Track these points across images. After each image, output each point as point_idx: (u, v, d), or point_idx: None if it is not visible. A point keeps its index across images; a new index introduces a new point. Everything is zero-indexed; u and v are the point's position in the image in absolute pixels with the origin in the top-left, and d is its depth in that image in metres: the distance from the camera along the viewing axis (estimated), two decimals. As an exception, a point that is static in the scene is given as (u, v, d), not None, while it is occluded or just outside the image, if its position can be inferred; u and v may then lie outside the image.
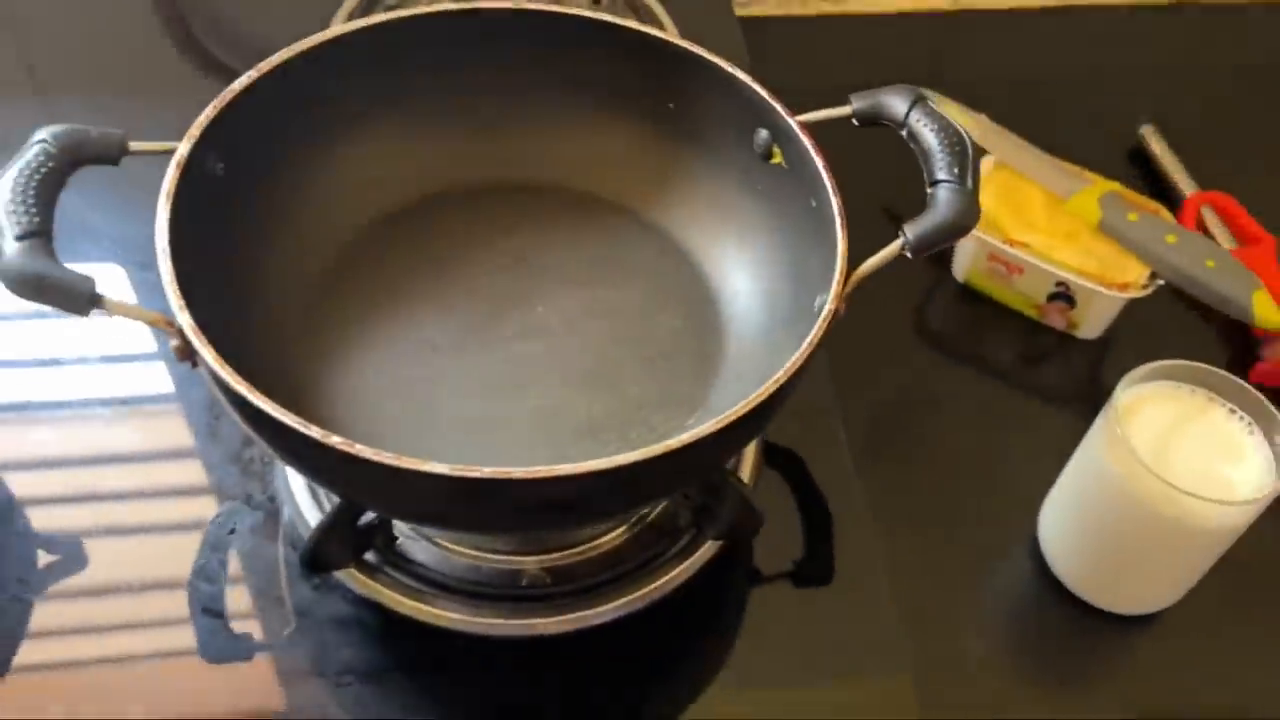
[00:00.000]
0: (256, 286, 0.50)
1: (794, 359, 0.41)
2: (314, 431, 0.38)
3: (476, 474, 0.37)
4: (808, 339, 0.42)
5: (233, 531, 0.52)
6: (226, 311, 0.44)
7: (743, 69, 0.52)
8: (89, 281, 0.40)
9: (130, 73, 0.73)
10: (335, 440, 0.38)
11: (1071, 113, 0.83)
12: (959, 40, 0.93)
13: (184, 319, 0.40)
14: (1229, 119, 0.86)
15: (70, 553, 0.52)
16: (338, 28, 0.50)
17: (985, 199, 0.66)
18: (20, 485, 0.54)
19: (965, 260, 0.70)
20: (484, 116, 0.56)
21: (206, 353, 0.39)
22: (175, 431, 0.56)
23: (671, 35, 0.53)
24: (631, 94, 0.55)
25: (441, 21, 0.52)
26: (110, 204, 0.63)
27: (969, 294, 0.71)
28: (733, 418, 0.39)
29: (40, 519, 0.53)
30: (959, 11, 0.93)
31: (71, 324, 0.58)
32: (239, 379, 0.39)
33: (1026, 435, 0.66)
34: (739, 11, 0.82)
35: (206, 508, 0.53)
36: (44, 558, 0.51)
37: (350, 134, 0.54)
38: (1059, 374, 0.70)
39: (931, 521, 0.61)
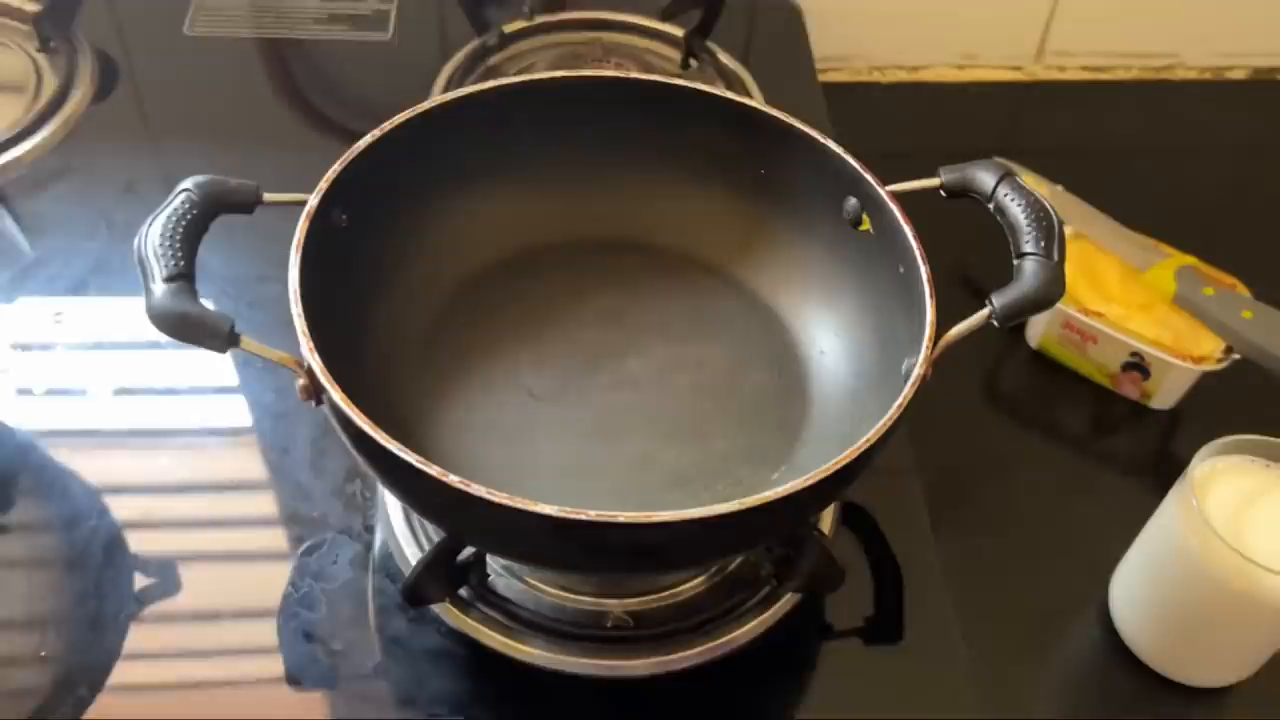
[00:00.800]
0: (370, 331, 0.52)
1: (884, 420, 0.43)
2: (433, 469, 0.40)
3: (584, 516, 0.40)
4: (897, 402, 0.44)
5: (335, 562, 0.54)
6: (344, 353, 0.47)
7: (830, 137, 0.54)
8: (229, 321, 0.43)
9: (238, 123, 0.77)
10: (453, 479, 0.40)
11: (1146, 185, 0.85)
12: (1030, 111, 0.95)
13: (314, 361, 0.43)
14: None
15: (170, 578, 0.54)
16: (460, 91, 0.53)
17: None
18: (132, 509, 0.57)
19: (1040, 327, 0.72)
20: (584, 177, 0.59)
21: (335, 393, 0.42)
22: (281, 464, 0.58)
23: (765, 105, 0.56)
24: (725, 160, 0.58)
25: (553, 87, 0.55)
26: (224, 247, 0.66)
27: (1042, 361, 0.73)
28: (825, 473, 0.41)
29: (148, 543, 0.56)
30: (1032, 82, 0.96)
31: (187, 357, 0.61)
32: (364, 418, 0.41)
33: (1097, 503, 0.67)
34: (820, 78, 0.85)
35: (310, 538, 0.55)
36: (145, 580, 0.54)
37: (460, 190, 0.57)
38: (1131, 443, 0.70)
39: (1002, 586, 0.62)
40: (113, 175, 0.72)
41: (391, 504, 0.55)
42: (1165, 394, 0.69)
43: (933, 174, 0.52)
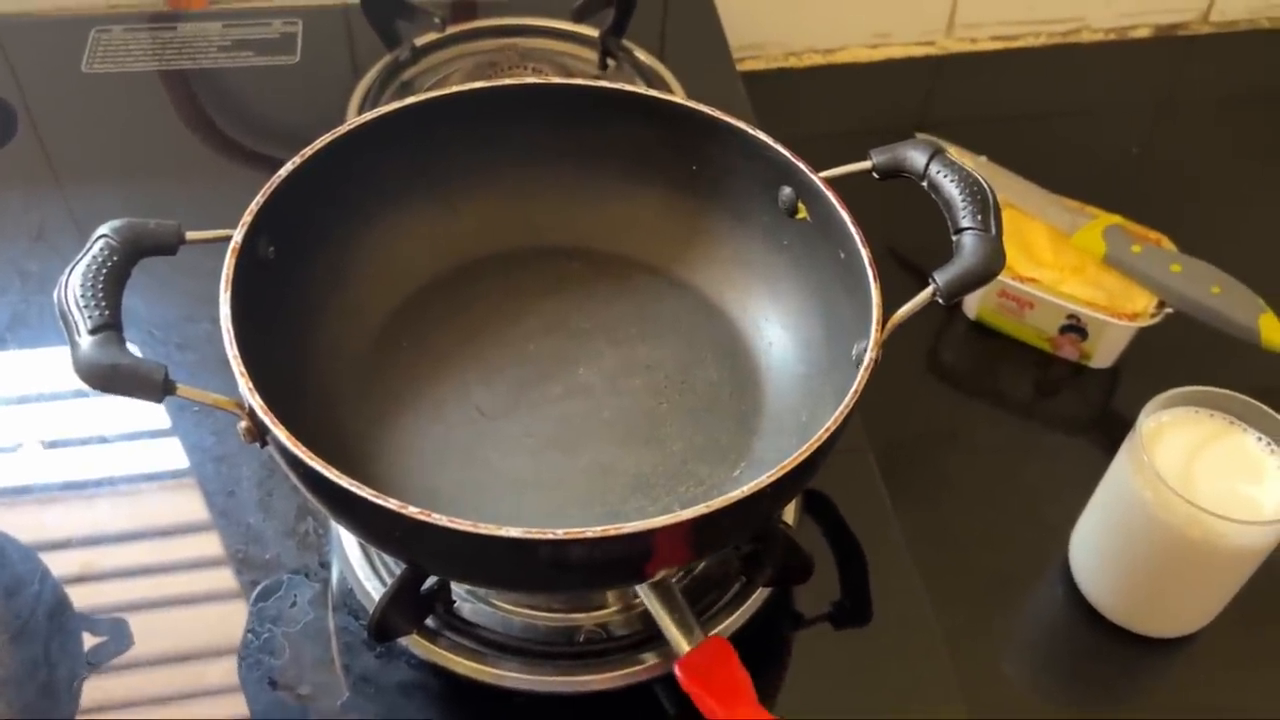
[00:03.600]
0: (309, 362, 0.51)
1: (842, 408, 0.43)
2: (390, 502, 0.39)
3: (550, 536, 0.39)
4: (853, 387, 0.44)
5: (294, 604, 0.52)
6: (284, 388, 0.45)
7: (752, 125, 0.54)
8: (161, 369, 0.42)
9: (147, 159, 0.74)
10: (412, 510, 0.39)
11: (1063, 148, 0.86)
12: (945, 84, 0.96)
13: (255, 401, 0.42)
14: (1216, 148, 0.89)
15: (122, 633, 0.52)
16: (377, 111, 0.52)
17: None
18: (75, 566, 0.54)
19: (977, 298, 0.72)
20: (514, 186, 0.58)
21: (279, 432, 0.41)
22: (228, 507, 0.57)
23: (689, 100, 0.55)
24: (655, 159, 0.57)
25: (471, 99, 0.54)
26: (144, 288, 0.64)
27: (981, 330, 0.74)
28: (791, 465, 0.41)
29: (95, 598, 0.54)
30: (944, 56, 0.97)
31: (119, 404, 0.59)
32: (312, 455, 0.40)
33: (1048, 465, 0.68)
34: (737, 68, 0.85)
35: (265, 581, 0.54)
36: (95, 639, 0.52)
37: (387, 209, 0.56)
38: (1075, 403, 0.72)
39: (963, 553, 0.62)
40: (20, 223, 0.69)
41: (347, 539, 0.54)
42: (1104, 353, 0.70)
43: (861, 156, 0.52)
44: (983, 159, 0.77)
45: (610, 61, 0.80)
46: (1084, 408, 0.71)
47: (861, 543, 0.59)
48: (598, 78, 0.79)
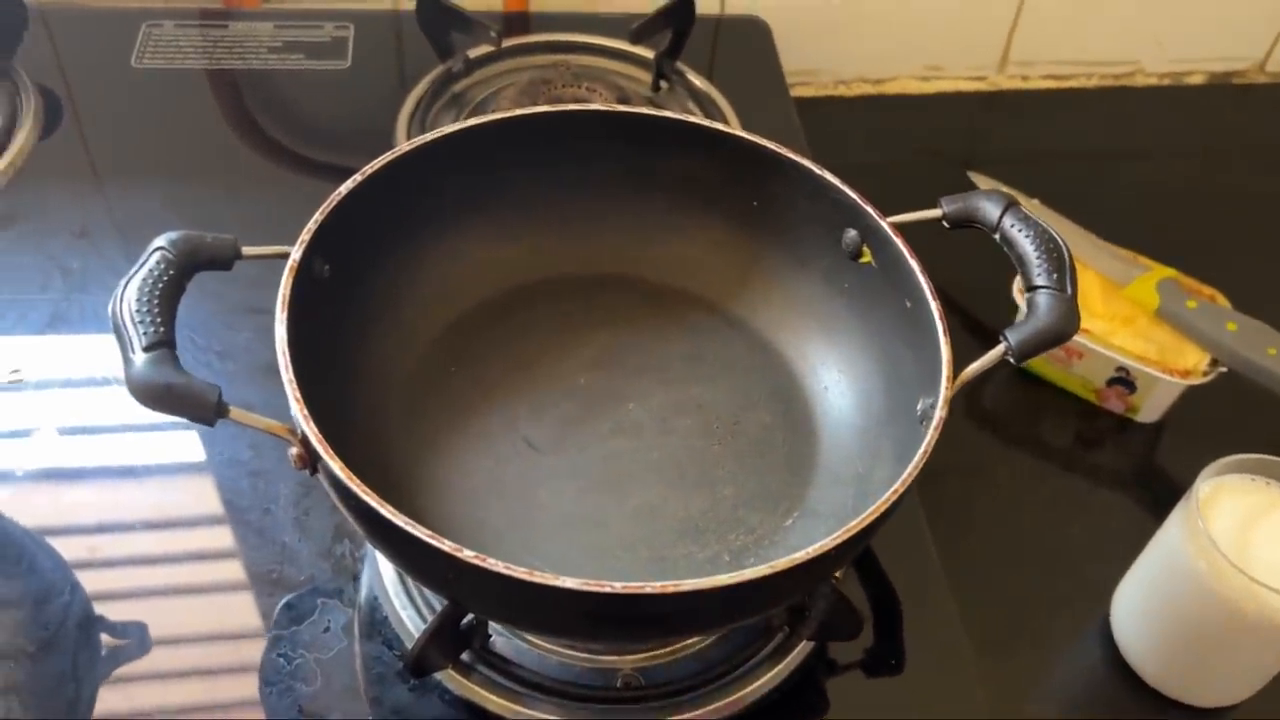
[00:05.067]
0: (357, 385, 0.50)
1: (912, 466, 0.42)
2: (445, 545, 0.38)
3: (608, 589, 0.38)
4: (922, 446, 0.43)
5: (326, 630, 0.51)
6: (334, 413, 0.44)
7: (808, 156, 0.53)
8: (215, 391, 0.41)
9: (193, 159, 0.73)
10: (467, 554, 0.38)
11: (1112, 190, 0.85)
12: (995, 120, 0.95)
13: (310, 430, 0.41)
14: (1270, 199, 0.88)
15: (144, 644, 0.51)
16: (444, 129, 0.51)
17: None
18: (104, 580, 0.53)
19: None
20: (571, 214, 0.57)
21: (334, 465, 0.40)
22: (264, 524, 0.55)
23: (757, 136, 0.54)
24: (716, 193, 0.56)
25: (534, 123, 0.53)
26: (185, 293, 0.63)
27: (1025, 376, 0.72)
28: (862, 525, 0.40)
29: (122, 613, 0.53)
30: (995, 92, 0.96)
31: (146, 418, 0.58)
32: (369, 491, 0.39)
33: (1088, 518, 0.66)
34: (788, 95, 0.84)
35: (299, 604, 0.53)
36: (121, 655, 0.51)
37: (444, 231, 0.55)
38: (1118, 458, 0.70)
39: (999, 607, 0.61)
40: (62, 219, 0.68)
41: (384, 567, 0.53)
42: (1151, 408, 0.69)
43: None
44: (1035, 202, 0.75)
45: (663, 83, 0.79)
46: (1127, 462, 0.70)
47: (905, 593, 0.58)
48: (650, 99, 0.78)
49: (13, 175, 0.69)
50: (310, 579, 0.53)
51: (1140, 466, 0.70)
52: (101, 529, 0.55)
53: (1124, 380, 0.68)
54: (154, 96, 0.76)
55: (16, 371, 0.60)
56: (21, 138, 0.70)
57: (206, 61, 0.78)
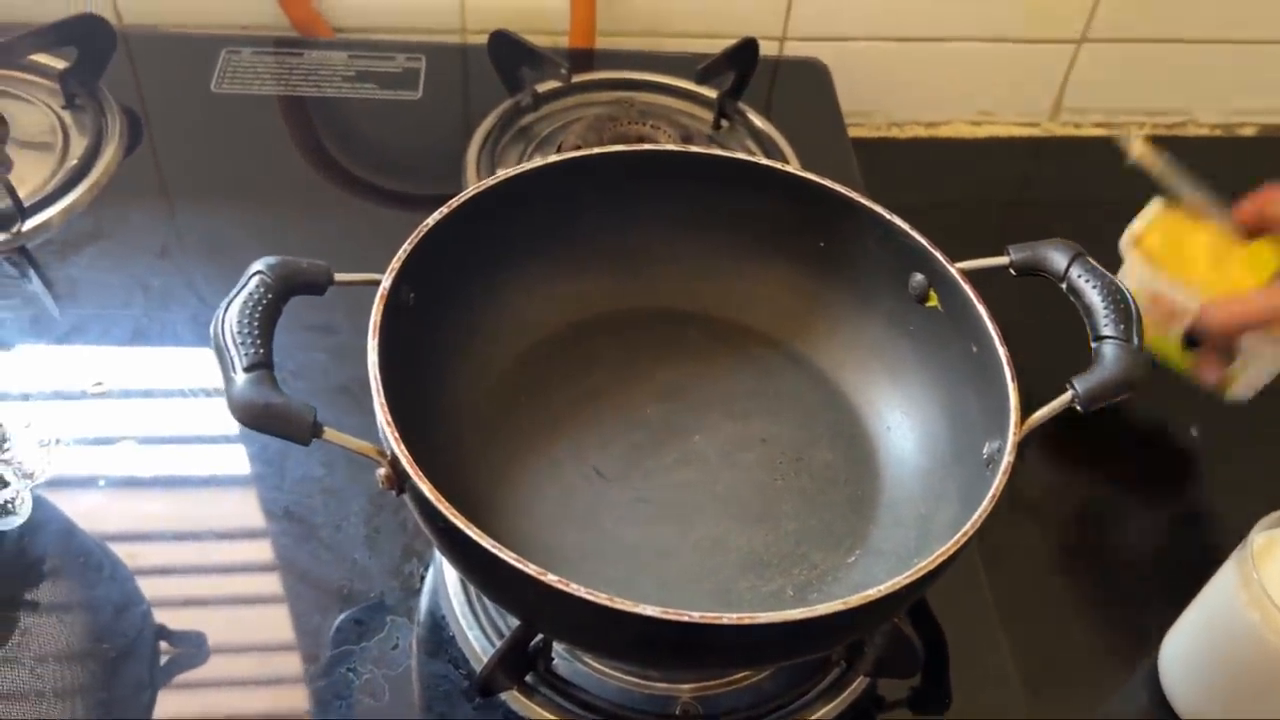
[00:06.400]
0: (435, 413, 0.51)
1: (980, 511, 0.43)
2: (530, 568, 0.39)
3: (685, 618, 0.39)
4: (990, 491, 0.44)
5: (395, 647, 0.53)
6: (417, 438, 0.46)
7: (865, 194, 0.54)
8: (310, 411, 0.42)
9: (267, 183, 0.75)
10: (551, 578, 0.39)
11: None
12: (1045, 166, 0.96)
13: (401, 453, 0.42)
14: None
15: (202, 653, 0.53)
16: (527, 165, 0.53)
17: (1150, 240, 0.65)
18: (178, 591, 0.55)
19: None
20: (639, 249, 0.59)
21: (425, 488, 0.41)
22: (335, 540, 0.57)
23: (826, 180, 0.56)
24: (785, 232, 0.58)
25: (615, 161, 0.55)
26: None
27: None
28: (928, 568, 0.41)
29: (189, 621, 0.54)
30: (1047, 138, 0.97)
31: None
32: (458, 515, 0.40)
33: (1141, 561, 0.66)
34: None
35: (368, 620, 0.54)
36: (185, 663, 0.52)
37: (522, 262, 0.56)
38: (1173, 498, 0.70)
39: (1048, 647, 0.61)
40: (144, 237, 0.70)
41: (450, 587, 0.54)
42: (1247, 382, 0.65)
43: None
44: (1167, 154, 0.70)
45: (724, 122, 0.81)
46: (1182, 506, 0.70)
47: (955, 631, 0.58)
48: (711, 138, 0.79)
49: (97, 193, 0.72)
50: (380, 595, 0.55)
51: (1195, 510, 0.70)
52: (179, 537, 0.57)
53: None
54: (231, 121, 0.78)
55: (100, 383, 0.62)
56: (108, 156, 0.73)
57: (282, 88, 0.80)
